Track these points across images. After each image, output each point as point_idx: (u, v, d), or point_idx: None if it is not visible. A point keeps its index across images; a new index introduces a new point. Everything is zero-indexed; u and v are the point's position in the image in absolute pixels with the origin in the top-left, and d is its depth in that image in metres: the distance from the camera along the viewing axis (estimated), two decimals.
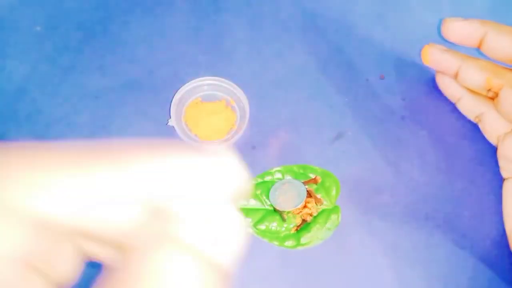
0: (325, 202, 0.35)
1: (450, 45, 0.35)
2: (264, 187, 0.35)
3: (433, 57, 0.36)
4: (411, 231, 0.35)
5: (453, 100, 0.38)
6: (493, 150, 0.36)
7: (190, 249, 0.11)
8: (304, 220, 0.34)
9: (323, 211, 0.35)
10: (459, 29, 0.33)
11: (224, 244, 0.12)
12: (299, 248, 0.34)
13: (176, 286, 0.11)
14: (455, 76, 0.35)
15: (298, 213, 0.35)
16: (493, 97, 0.34)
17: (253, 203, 0.35)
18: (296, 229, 0.34)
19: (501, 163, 0.35)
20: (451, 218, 0.35)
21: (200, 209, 0.12)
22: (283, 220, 0.35)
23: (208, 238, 0.12)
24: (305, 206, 0.35)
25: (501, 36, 0.32)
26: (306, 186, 0.35)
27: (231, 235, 0.12)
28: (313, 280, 0.33)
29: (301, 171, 0.36)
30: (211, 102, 0.38)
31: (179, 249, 0.11)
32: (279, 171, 0.36)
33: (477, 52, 0.34)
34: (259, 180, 0.36)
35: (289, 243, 0.34)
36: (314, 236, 0.34)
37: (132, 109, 0.38)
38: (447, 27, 0.34)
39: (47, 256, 0.12)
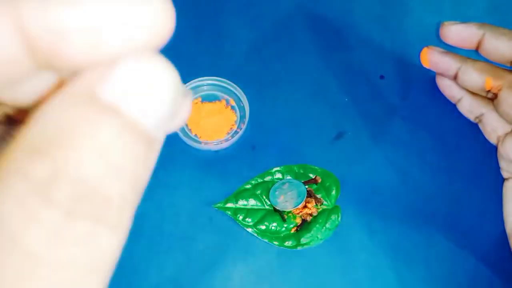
0: (325, 202, 0.35)
1: (449, 48, 0.35)
2: (264, 187, 0.35)
3: (433, 59, 0.36)
4: (411, 231, 0.35)
5: (453, 101, 0.38)
6: (493, 150, 0.36)
7: (110, 108, 0.09)
8: (304, 220, 0.34)
9: (323, 211, 0.35)
10: (457, 33, 0.34)
11: (149, 101, 0.10)
12: (299, 248, 0.34)
13: (92, 150, 0.09)
14: (455, 78, 0.36)
15: (298, 213, 0.35)
16: (492, 98, 0.35)
17: (253, 203, 0.35)
18: (296, 229, 0.34)
19: (501, 163, 0.35)
20: (451, 218, 0.35)
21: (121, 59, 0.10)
22: (283, 220, 0.35)
23: (130, 94, 0.10)
24: (305, 206, 0.35)
25: (498, 39, 0.32)
26: (306, 186, 0.35)
27: (157, 90, 0.10)
28: (313, 280, 0.33)
29: (301, 171, 0.36)
30: (211, 102, 0.38)
31: (98, 108, 0.09)
32: (279, 171, 0.36)
33: (475, 54, 0.34)
34: (259, 180, 0.36)
35: (289, 243, 0.34)
36: (314, 236, 0.34)
37: None
38: (446, 30, 0.34)
39: None
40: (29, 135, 0.09)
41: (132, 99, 0.10)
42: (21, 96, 0.11)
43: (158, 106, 0.10)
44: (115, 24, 0.09)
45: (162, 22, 0.10)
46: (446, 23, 0.34)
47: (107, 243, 0.09)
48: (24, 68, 0.10)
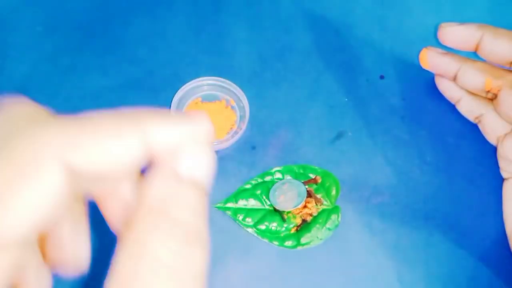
0: (325, 202, 0.35)
1: (448, 49, 0.35)
2: (264, 187, 0.35)
3: (432, 60, 0.36)
4: (411, 231, 0.35)
5: (452, 101, 0.38)
6: (493, 150, 0.36)
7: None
8: (304, 220, 0.34)
9: (323, 211, 0.35)
10: (456, 34, 0.34)
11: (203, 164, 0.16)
12: (299, 248, 0.34)
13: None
14: (454, 79, 0.36)
15: (298, 213, 0.35)
16: (492, 98, 0.35)
17: (253, 203, 0.35)
18: (296, 229, 0.34)
19: (501, 163, 0.36)
20: (451, 218, 0.35)
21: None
22: (283, 220, 0.35)
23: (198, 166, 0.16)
24: (305, 206, 0.35)
25: (497, 40, 0.32)
26: (306, 186, 0.35)
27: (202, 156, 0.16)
28: (313, 280, 0.33)
29: (301, 171, 0.36)
30: (211, 102, 0.38)
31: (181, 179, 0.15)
32: (279, 171, 0.36)
33: (474, 55, 0.34)
34: (259, 180, 0.36)
35: (289, 243, 0.34)
36: (314, 236, 0.34)
37: None
38: (444, 32, 0.34)
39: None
40: (147, 201, 0.15)
41: (198, 170, 0.16)
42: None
43: (209, 172, 0.16)
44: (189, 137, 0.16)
45: (207, 131, 0.16)
46: (444, 24, 0.34)
47: (203, 257, 0.15)
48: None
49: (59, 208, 0.13)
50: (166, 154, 0.15)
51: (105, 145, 0.14)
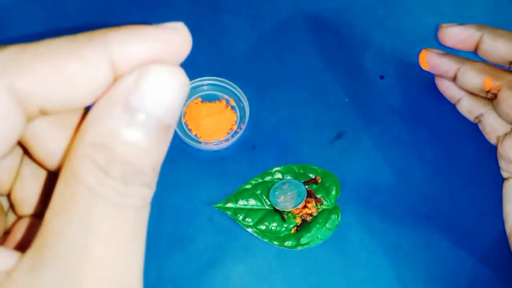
0: (325, 202, 0.35)
1: (448, 50, 0.35)
2: (264, 187, 0.35)
3: (431, 61, 0.36)
4: (411, 231, 0.35)
5: (452, 101, 0.38)
6: (493, 150, 0.36)
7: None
8: (304, 220, 0.34)
9: (323, 211, 0.35)
10: (456, 34, 0.34)
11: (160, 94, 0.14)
12: (299, 248, 0.34)
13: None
14: (454, 79, 0.36)
15: (298, 213, 0.35)
16: (492, 98, 0.35)
17: (253, 203, 0.35)
18: (296, 229, 0.34)
19: (501, 163, 0.36)
20: (451, 218, 0.35)
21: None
22: (283, 220, 0.35)
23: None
24: (305, 206, 0.35)
25: (497, 40, 0.32)
26: (306, 186, 0.35)
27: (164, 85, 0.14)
28: (313, 280, 0.33)
29: (301, 171, 0.36)
30: (211, 102, 0.38)
31: (132, 111, 0.14)
32: (279, 171, 0.36)
33: (474, 56, 0.34)
34: (259, 180, 0.36)
35: (289, 243, 0.34)
36: (314, 236, 0.34)
37: None
38: (444, 33, 0.34)
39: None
40: (89, 133, 0.13)
41: (155, 101, 0.14)
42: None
43: (171, 101, 0.14)
44: (156, 53, 0.14)
45: (185, 46, 0.16)
46: (444, 25, 0.34)
47: (144, 201, 0.14)
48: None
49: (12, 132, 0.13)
50: (128, 75, 0.14)
51: (64, 68, 0.13)
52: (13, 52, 0.13)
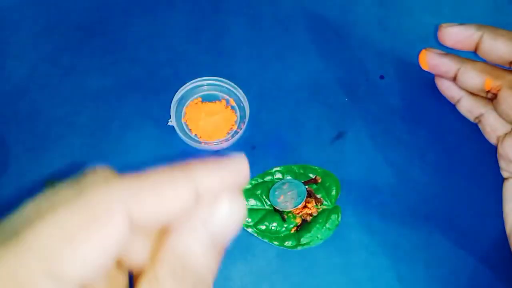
0: (325, 202, 0.35)
1: (447, 50, 0.35)
2: (264, 187, 0.35)
3: (431, 61, 0.36)
4: (411, 231, 0.35)
5: (452, 101, 0.38)
6: (493, 150, 0.36)
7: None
8: (304, 220, 0.34)
9: (323, 211, 0.35)
10: (455, 34, 0.34)
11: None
12: (299, 248, 0.34)
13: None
14: (454, 79, 0.36)
15: (298, 213, 0.35)
16: (492, 98, 0.35)
17: (253, 203, 0.35)
18: (296, 229, 0.34)
19: (501, 163, 0.36)
20: (451, 218, 0.35)
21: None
22: (283, 220, 0.35)
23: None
24: (305, 206, 0.35)
25: (496, 40, 0.32)
26: (306, 186, 0.35)
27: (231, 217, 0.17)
28: (313, 280, 0.33)
29: (301, 171, 0.36)
30: (211, 102, 0.38)
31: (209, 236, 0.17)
32: (279, 171, 0.36)
33: (474, 56, 0.34)
34: (259, 180, 0.36)
35: (289, 243, 0.34)
36: (314, 236, 0.34)
37: (132, 109, 0.38)
38: (444, 32, 0.34)
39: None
40: (172, 248, 0.16)
41: (224, 229, 0.17)
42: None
43: (235, 231, 0.17)
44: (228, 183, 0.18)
45: (245, 173, 0.18)
46: (444, 25, 0.34)
47: None
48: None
49: (117, 254, 0.15)
50: (205, 201, 0.17)
51: (162, 197, 0.16)
52: (128, 181, 0.16)
